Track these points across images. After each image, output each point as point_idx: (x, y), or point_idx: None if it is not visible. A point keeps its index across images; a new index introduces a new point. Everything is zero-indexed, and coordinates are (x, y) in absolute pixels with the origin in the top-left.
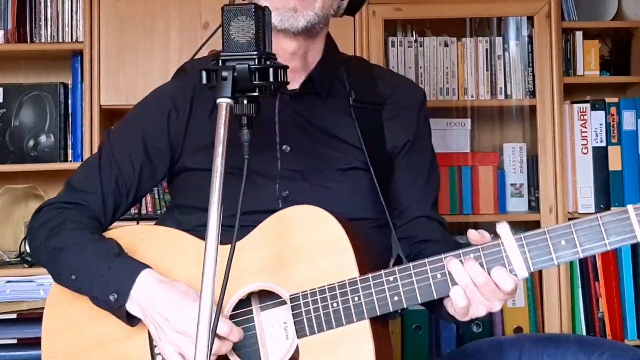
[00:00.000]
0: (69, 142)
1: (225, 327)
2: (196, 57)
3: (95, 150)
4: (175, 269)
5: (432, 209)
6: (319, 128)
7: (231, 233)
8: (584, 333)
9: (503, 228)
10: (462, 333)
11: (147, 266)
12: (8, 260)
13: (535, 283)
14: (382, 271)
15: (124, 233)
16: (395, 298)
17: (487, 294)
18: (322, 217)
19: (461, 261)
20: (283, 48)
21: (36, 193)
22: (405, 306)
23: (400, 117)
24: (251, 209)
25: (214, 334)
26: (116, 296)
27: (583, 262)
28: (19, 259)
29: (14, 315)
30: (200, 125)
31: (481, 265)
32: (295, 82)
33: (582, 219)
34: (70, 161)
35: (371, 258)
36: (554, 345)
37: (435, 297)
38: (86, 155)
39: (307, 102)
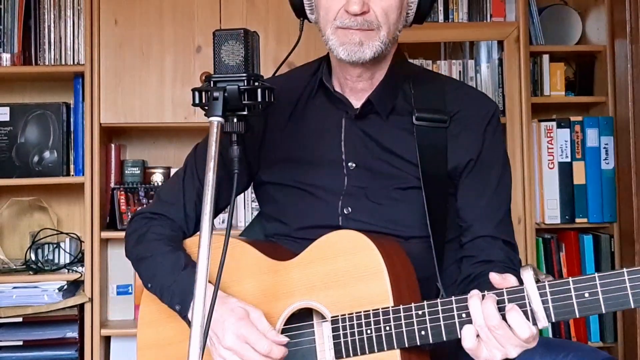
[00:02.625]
0: (71, 158)
1: (264, 345)
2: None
3: (95, 166)
4: (233, 282)
5: (498, 228)
6: (381, 146)
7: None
8: (550, 336)
9: (527, 274)
10: None
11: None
12: (14, 267)
13: None
14: (413, 304)
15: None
16: (422, 332)
17: (501, 338)
18: (363, 243)
19: (483, 297)
20: (350, 73)
21: (40, 205)
22: (431, 341)
23: (465, 134)
24: (311, 223)
25: (205, 336)
26: (179, 307)
27: (549, 268)
28: (24, 266)
29: (20, 319)
30: (276, 140)
31: (502, 309)
32: (360, 102)
33: (608, 273)
34: (72, 175)
35: (412, 283)
36: None
37: (460, 336)
38: (87, 169)
39: (370, 121)
